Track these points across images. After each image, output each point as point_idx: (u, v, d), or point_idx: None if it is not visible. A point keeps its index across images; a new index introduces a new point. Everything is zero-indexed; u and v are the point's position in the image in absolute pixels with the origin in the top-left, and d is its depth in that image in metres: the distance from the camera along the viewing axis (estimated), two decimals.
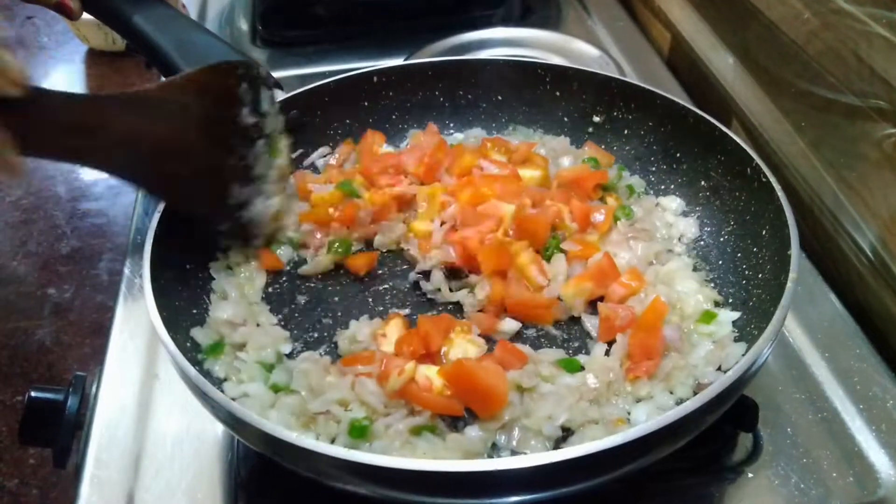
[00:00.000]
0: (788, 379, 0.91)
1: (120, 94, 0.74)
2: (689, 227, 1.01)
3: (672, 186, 1.08)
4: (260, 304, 0.94)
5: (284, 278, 0.98)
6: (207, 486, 0.82)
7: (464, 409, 0.79)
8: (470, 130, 1.18)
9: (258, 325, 0.90)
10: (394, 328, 0.87)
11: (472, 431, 0.77)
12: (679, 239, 1.01)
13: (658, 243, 0.98)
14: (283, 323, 0.92)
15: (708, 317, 0.87)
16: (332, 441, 0.77)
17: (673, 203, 1.04)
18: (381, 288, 0.97)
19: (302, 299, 0.95)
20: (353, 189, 1.02)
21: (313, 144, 1.13)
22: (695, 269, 0.97)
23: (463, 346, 0.84)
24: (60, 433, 0.91)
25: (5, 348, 1.36)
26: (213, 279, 0.94)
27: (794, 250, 0.81)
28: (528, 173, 1.04)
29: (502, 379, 0.79)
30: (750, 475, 0.83)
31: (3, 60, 0.57)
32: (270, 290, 0.96)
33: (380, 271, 0.99)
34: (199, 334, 0.86)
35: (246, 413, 0.67)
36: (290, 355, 0.88)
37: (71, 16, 1.00)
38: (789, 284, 0.77)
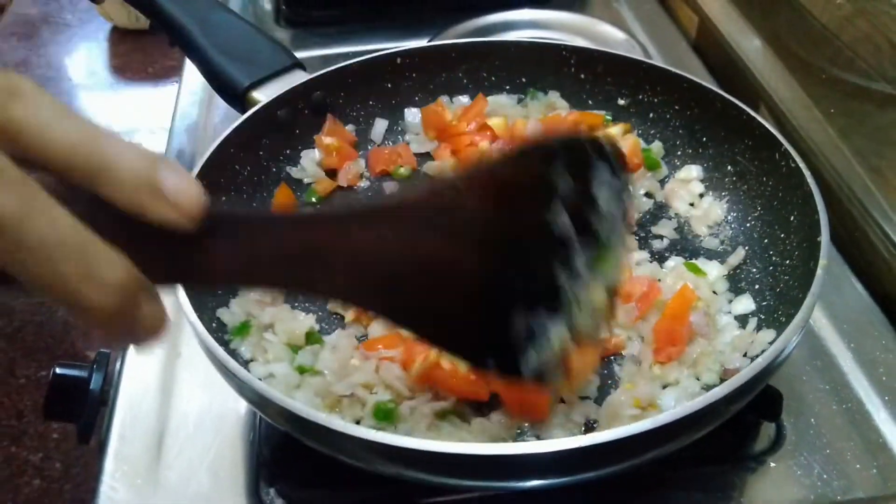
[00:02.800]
0: (813, 369, 0.90)
1: (361, 207, 0.55)
2: (714, 204, 1.02)
3: None
4: None
5: None
6: (230, 464, 0.83)
7: (489, 395, 0.79)
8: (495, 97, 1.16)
9: (287, 304, 0.90)
10: None
11: (498, 416, 0.77)
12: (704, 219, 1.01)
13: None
14: (310, 303, 0.92)
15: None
16: (357, 423, 0.77)
17: (692, 172, 1.04)
18: None
19: None
20: None
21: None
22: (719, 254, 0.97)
23: None
24: (84, 409, 0.92)
25: (30, 324, 1.37)
26: None
27: (825, 236, 0.80)
28: None
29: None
30: (772, 465, 0.82)
31: (171, 182, 0.43)
32: None
33: None
34: (226, 314, 0.86)
35: (278, 396, 0.67)
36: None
37: None
38: (819, 271, 0.76)
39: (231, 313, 0.86)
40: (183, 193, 0.43)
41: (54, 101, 0.41)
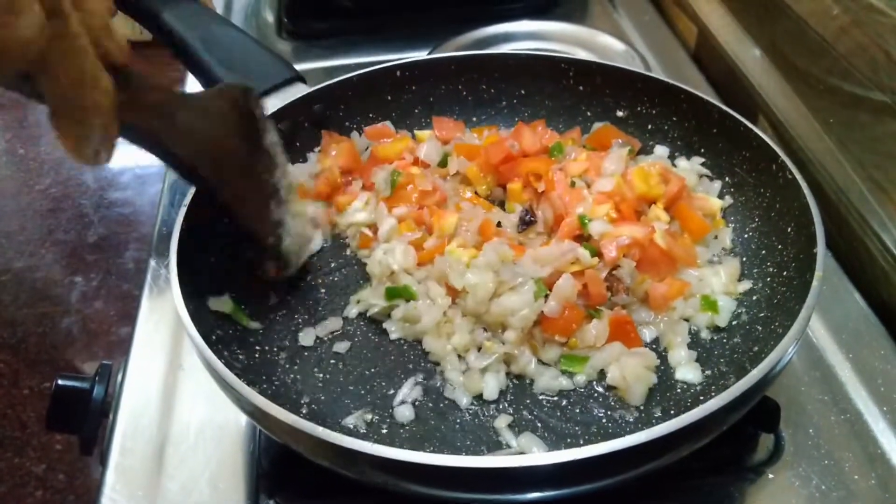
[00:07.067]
0: (811, 379, 0.91)
1: (179, 92, 0.83)
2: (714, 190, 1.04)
3: None
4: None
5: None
6: (230, 475, 0.84)
7: None
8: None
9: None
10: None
11: None
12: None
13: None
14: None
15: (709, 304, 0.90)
16: None
17: (691, 163, 1.06)
18: None
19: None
20: None
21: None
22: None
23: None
24: (86, 421, 0.92)
25: (33, 335, 1.39)
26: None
27: (820, 248, 0.80)
28: None
29: None
30: (770, 476, 0.82)
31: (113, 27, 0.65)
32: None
33: None
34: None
35: (276, 409, 0.67)
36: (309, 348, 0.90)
37: None
38: (815, 283, 0.77)
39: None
40: (117, 32, 0.66)
41: None
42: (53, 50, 0.59)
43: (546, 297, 0.86)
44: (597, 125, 1.13)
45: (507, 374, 0.86)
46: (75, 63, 0.61)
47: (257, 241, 0.90)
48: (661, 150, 1.10)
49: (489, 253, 0.89)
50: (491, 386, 0.84)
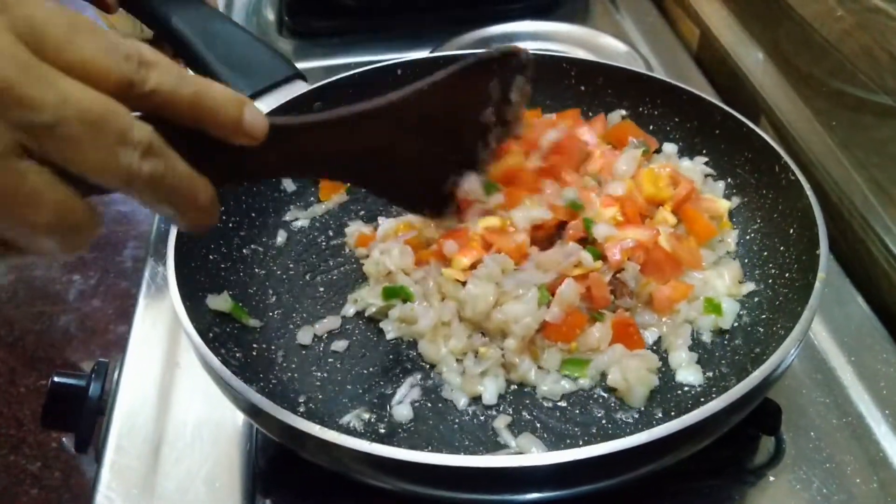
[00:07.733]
0: (813, 382, 0.90)
1: (342, 115, 0.68)
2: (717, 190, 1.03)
3: None
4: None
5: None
6: (227, 474, 0.83)
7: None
8: None
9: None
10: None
11: None
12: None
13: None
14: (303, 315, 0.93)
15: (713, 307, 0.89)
16: None
17: (695, 163, 1.05)
18: None
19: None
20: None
21: None
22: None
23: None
24: (82, 419, 0.92)
25: (30, 333, 1.38)
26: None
27: (823, 250, 0.80)
28: None
29: None
30: (771, 479, 0.82)
31: (248, 118, 0.57)
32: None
33: None
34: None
35: (272, 406, 0.67)
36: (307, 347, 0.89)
37: (108, 10, 1.01)
38: (817, 285, 0.76)
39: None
40: (256, 127, 0.58)
41: (171, 63, 0.52)
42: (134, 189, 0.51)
43: (548, 303, 0.85)
44: (612, 115, 1.11)
45: (507, 379, 0.85)
46: (152, 197, 0.52)
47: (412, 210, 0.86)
48: (670, 148, 1.09)
49: (490, 264, 0.87)
50: (490, 390, 0.82)
